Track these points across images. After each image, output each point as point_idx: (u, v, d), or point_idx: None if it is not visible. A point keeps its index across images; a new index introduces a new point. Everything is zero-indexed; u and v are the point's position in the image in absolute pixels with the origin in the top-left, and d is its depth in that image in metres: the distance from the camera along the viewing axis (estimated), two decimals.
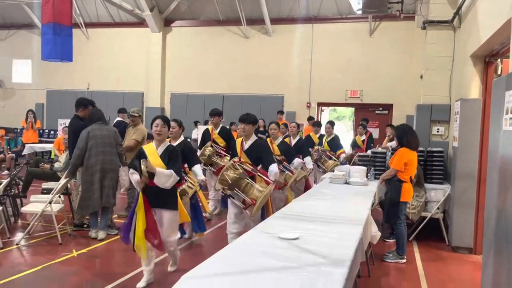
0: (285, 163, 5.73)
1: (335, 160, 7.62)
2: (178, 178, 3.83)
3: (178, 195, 4.19)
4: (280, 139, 6.27)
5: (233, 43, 13.85)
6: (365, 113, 13.07)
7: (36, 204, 5.46)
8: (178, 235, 4.26)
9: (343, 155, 8.09)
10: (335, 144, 8.08)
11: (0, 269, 4.32)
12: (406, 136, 5.01)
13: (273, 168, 4.38)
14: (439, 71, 6.77)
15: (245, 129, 4.52)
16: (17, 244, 5.11)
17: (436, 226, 5.97)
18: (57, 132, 14.31)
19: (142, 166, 3.68)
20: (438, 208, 5.84)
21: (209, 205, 6.78)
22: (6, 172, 10.78)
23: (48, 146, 11.29)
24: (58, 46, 8.27)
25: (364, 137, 9.37)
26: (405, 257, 5.06)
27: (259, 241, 2.68)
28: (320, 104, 13.51)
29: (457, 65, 6.52)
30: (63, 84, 15.39)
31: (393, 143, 6.98)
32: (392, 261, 5.02)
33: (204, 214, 6.37)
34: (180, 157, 3.98)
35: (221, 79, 13.86)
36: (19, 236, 5.45)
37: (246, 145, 4.57)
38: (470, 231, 5.44)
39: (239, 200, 4.24)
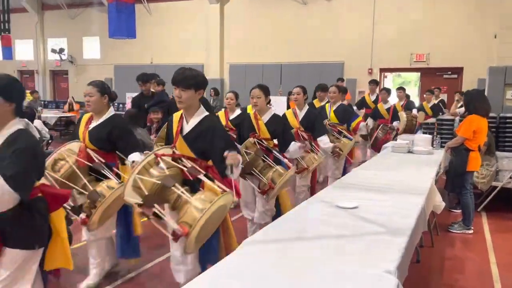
0: (277, 152, 3.78)
1: (348, 138, 5.47)
2: (20, 191, 2.06)
3: (58, 223, 2.36)
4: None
5: (290, 10, 13.57)
6: (433, 78, 12.37)
7: None
8: None
9: (362, 124, 5.93)
10: (345, 114, 5.73)
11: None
12: (473, 102, 4.72)
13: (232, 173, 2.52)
14: None
15: (181, 97, 2.68)
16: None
17: (507, 197, 5.64)
18: (125, 106, 15.11)
19: None
20: (510, 178, 5.51)
21: None
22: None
23: None
24: (122, 24, 8.66)
25: (389, 105, 7.49)
26: (472, 228, 4.87)
27: (317, 209, 2.73)
28: (382, 70, 12.97)
29: None
30: (129, 58, 16.07)
31: (462, 109, 6.60)
32: (458, 231, 4.86)
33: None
34: (25, 152, 2.12)
35: (279, 48, 13.71)
36: None
37: (188, 126, 2.77)
38: None
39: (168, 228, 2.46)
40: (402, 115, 7.27)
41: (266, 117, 3.88)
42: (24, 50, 18.09)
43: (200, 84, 2.74)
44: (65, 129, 13.58)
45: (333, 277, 1.77)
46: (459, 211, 5.29)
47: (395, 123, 7.16)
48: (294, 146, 3.84)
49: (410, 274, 2.20)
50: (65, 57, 17.20)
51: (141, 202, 2.43)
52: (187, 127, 2.76)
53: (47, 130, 8.12)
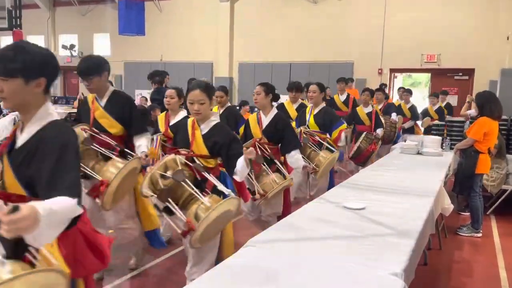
0: (213, 177, 2.65)
1: (330, 150, 4.29)
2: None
3: None
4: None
5: (301, 9, 13.52)
6: (443, 79, 12.23)
7: None
8: None
9: (343, 135, 4.67)
10: (328, 119, 4.58)
11: None
12: (488, 104, 4.66)
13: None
14: None
15: (3, 91, 1.57)
16: None
17: None
18: (135, 102, 15.18)
19: None
20: None
21: None
22: None
23: None
24: (131, 21, 8.73)
25: (370, 109, 6.32)
26: (481, 231, 4.81)
27: (324, 210, 2.71)
28: (392, 70, 12.86)
29: None
30: (139, 56, 16.13)
31: (472, 111, 6.52)
32: (467, 234, 4.81)
33: None
34: None
35: (289, 47, 13.67)
36: None
37: (20, 140, 1.67)
38: None
39: None
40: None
41: (206, 127, 2.77)
42: None
43: (36, 69, 1.57)
44: (75, 125, 13.72)
45: (339, 278, 1.76)
46: (468, 214, 5.24)
47: (378, 131, 6.10)
48: (242, 163, 2.61)
49: (417, 277, 2.19)
50: (76, 54, 17.31)
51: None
52: (18, 142, 1.64)
53: None
